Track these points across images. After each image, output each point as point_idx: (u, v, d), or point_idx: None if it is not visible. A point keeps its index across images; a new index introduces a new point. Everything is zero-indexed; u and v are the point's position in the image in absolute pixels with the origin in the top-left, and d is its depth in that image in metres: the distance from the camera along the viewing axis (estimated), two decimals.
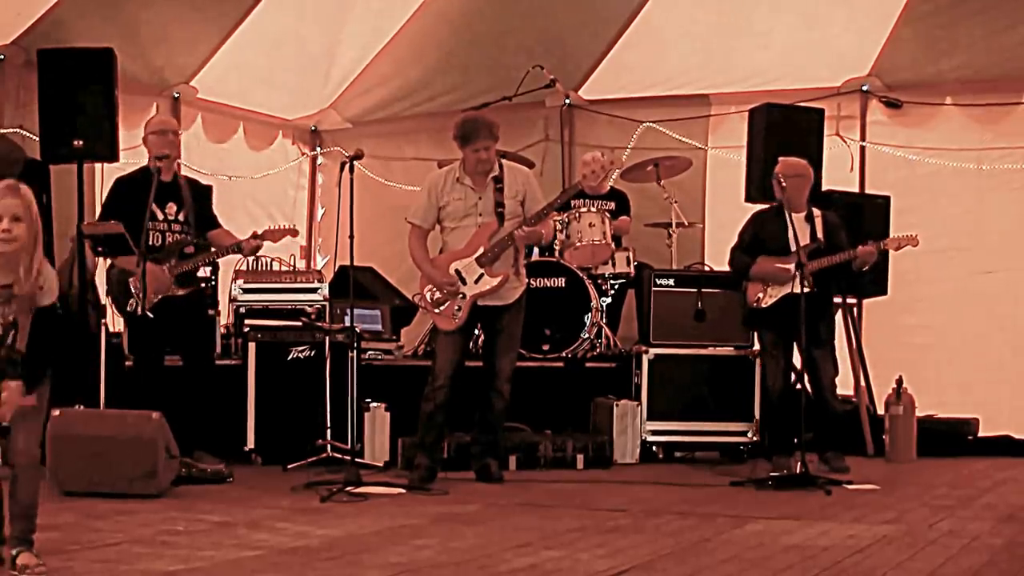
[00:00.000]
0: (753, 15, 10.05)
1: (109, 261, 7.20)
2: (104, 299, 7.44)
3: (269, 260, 8.48)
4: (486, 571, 4.30)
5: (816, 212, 7.43)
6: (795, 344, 7.40)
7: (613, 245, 8.75)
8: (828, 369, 7.52)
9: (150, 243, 6.92)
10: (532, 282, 7.71)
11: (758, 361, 7.95)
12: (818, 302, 7.28)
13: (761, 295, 7.35)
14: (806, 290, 6.92)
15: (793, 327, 7.16)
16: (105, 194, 7.33)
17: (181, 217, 7.14)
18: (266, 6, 9.77)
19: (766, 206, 7.63)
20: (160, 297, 6.91)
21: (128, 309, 6.85)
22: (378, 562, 4.54)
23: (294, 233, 7.48)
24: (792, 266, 7.10)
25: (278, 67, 10.56)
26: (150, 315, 6.82)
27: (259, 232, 7.24)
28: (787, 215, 7.24)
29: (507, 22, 10.40)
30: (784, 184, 7.24)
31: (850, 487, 6.70)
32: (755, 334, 7.75)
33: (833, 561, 4.56)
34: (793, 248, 7.16)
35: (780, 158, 7.56)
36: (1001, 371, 8.90)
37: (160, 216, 7.05)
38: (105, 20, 8.84)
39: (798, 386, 7.55)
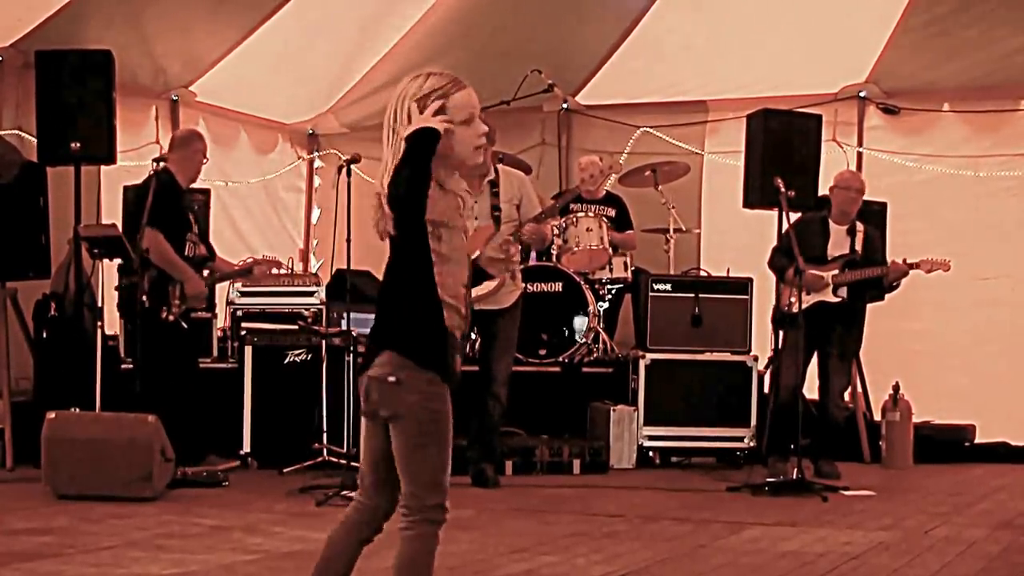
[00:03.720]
0: (751, 21, 10.05)
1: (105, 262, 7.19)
2: (98, 301, 7.43)
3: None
4: None
5: (859, 227, 7.54)
6: (816, 351, 7.49)
7: (610, 250, 8.75)
8: (840, 379, 7.61)
9: (186, 253, 6.96)
10: (529, 287, 7.70)
11: (758, 363, 7.99)
12: (850, 312, 7.54)
13: (794, 299, 7.36)
14: (836, 299, 7.38)
15: (820, 333, 7.31)
16: (120, 194, 7.27)
17: (196, 229, 7.20)
18: (274, 22, 9.77)
19: (811, 214, 7.64)
20: (184, 309, 6.91)
21: (162, 315, 6.77)
22: (373, 567, 4.53)
23: (278, 265, 7.59)
24: (827, 275, 7.26)
25: (277, 72, 10.55)
26: (184, 325, 6.86)
27: (260, 261, 7.45)
28: (830, 225, 7.50)
29: (506, 27, 10.40)
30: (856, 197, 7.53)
31: (846, 493, 6.71)
32: (777, 335, 7.69)
33: (829, 567, 4.56)
34: (831, 257, 7.41)
35: (843, 173, 7.75)
36: (998, 377, 8.90)
37: (193, 227, 7.12)
38: (105, 25, 8.83)
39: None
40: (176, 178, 7.01)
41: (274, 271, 7.69)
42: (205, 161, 7.24)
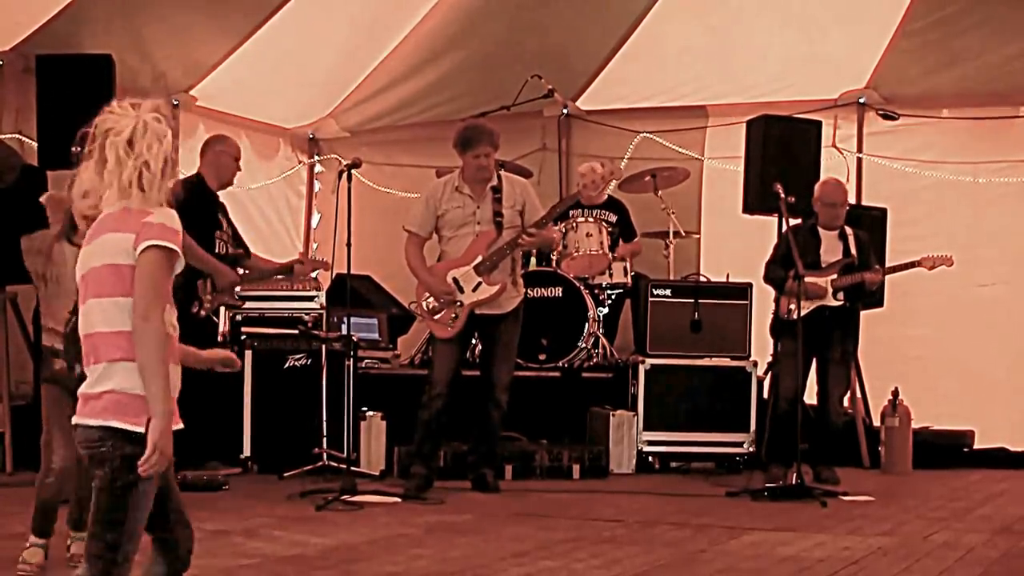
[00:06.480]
0: (751, 27, 10.07)
1: None
2: None
3: None
4: None
5: (848, 230, 7.57)
6: (815, 357, 7.50)
7: (610, 255, 8.76)
8: (839, 384, 7.63)
9: (216, 251, 7.04)
10: (529, 292, 7.70)
11: (757, 368, 8.02)
12: (849, 317, 7.58)
13: (793, 307, 7.37)
14: (836, 303, 7.39)
15: (819, 338, 7.34)
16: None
17: (229, 231, 7.31)
18: (271, 22, 9.77)
19: (799, 222, 7.65)
20: (218, 304, 6.99)
21: (192, 311, 6.81)
22: (373, 571, 4.55)
23: (326, 266, 7.61)
24: (824, 281, 7.30)
25: (277, 76, 10.57)
26: (215, 319, 6.93)
27: (303, 260, 7.57)
28: (820, 232, 7.53)
29: (506, 32, 10.42)
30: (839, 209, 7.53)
31: (846, 498, 6.71)
32: (775, 343, 7.71)
33: (829, 572, 4.57)
34: (826, 263, 7.43)
35: (827, 180, 7.73)
36: (997, 383, 8.91)
37: (223, 227, 7.21)
38: (105, 28, 8.85)
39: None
40: (205, 181, 7.17)
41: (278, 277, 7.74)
42: (237, 165, 7.32)
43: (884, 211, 8.77)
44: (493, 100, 9.45)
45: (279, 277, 7.91)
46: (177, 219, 2.85)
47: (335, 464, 7.03)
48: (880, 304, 8.54)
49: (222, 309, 8.39)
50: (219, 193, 7.42)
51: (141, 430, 2.79)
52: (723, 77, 10.12)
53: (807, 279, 7.15)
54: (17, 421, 7.35)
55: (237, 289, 8.23)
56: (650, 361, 8.11)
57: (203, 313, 6.89)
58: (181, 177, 7.33)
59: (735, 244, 9.33)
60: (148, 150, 2.86)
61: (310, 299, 8.20)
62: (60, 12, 8.57)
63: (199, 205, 6.96)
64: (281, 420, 7.49)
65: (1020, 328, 8.99)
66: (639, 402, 8.04)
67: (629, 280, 8.89)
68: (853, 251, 7.51)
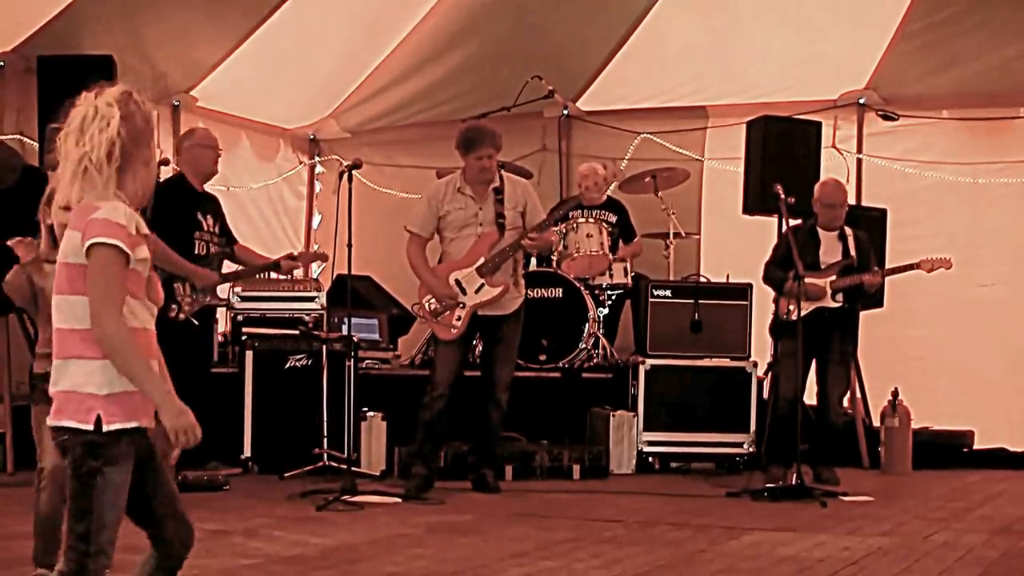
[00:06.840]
0: (751, 28, 10.08)
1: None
2: None
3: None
4: None
5: (848, 231, 7.57)
6: (815, 358, 7.50)
7: (610, 256, 8.76)
8: (838, 385, 7.65)
9: (196, 252, 6.90)
10: (530, 292, 7.71)
11: (757, 369, 8.03)
12: (848, 318, 7.58)
13: (792, 307, 7.38)
14: (835, 304, 7.39)
15: (819, 339, 7.35)
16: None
17: (217, 229, 7.13)
18: (272, 22, 9.78)
19: (799, 222, 7.65)
20: (199, 306, 6.90)
21: (170, 315, 6.65)
22: (373, 571, 4.56)
23: (324, 258, 7.56)
24: (823, 282, 7.31)
25: (277, 76, 10.58)
26: (195, 322, 6.84)
27: (295, 254, 7.42)
28: (819, 233, 7.53)
29: (507, 33, 10.43)
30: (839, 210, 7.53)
31: (845, 499, 6.72)
32: (775, 344, 7.72)
33: (828, 573, 4.58)
34: (825, 264, 7.43)
35: (826, 181, 7.73)
36: (996, 383, 8.91)
37: (205, 226, 7.04)
38: (105, 29, 8.86)
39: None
40: (185, 178, 7.02)
41: (275, 275, 7.69)
42: (214, 153, 7.11)
43: (884, 212, 8.77)
44: (494, 100, 9.46)
45: (282, 277, 7.89)
46: (122, 210, 2.79)
47: (336, 464, 7.04)
48: (880, 304, 8.55)
49: (223, 311, 8.42)
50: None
51: (89, 427, 2.76)
52: (723, 78, 10.13)
53: (806, 280, 7.17)
54: (18, 421, 7.36)
55: (238, 289, 8.27)
56: (650, 361, 8.11)
57: (182, 316, 6.74)
58: (162, 179, 7.21)
59: (735, 245, 9.35)
60: (91, 139, 2.82)
61: (311, 299, 8.21)
62: (60, 13, 8.58)
63: (175, 207, 6.76)
64: (282, 420, 7.50)
65: (1020, 328, 9.00)
66: (639, 402, 8.05)
67: (629, 281, 8.89)
68: (852, 252, 7.52)
